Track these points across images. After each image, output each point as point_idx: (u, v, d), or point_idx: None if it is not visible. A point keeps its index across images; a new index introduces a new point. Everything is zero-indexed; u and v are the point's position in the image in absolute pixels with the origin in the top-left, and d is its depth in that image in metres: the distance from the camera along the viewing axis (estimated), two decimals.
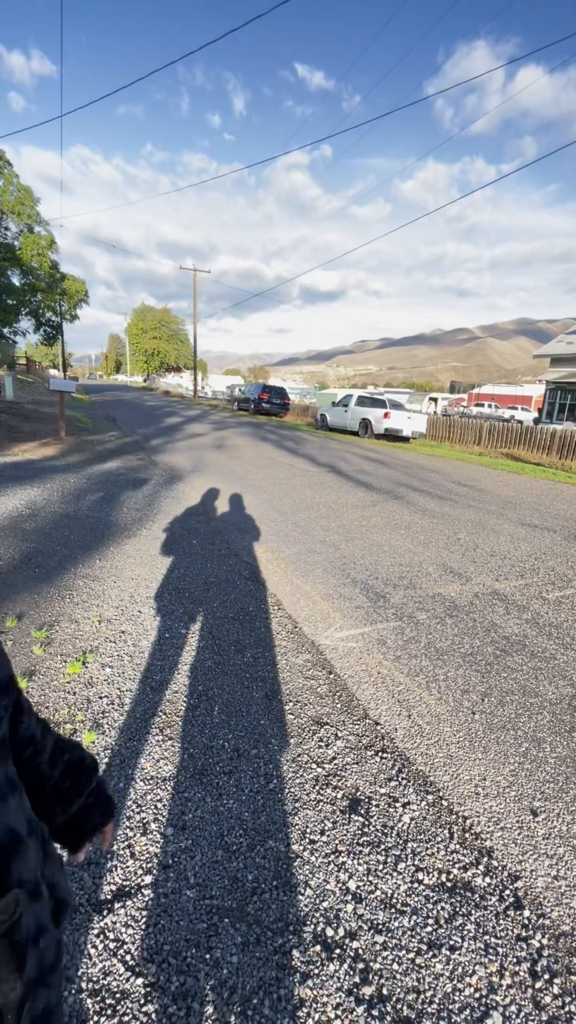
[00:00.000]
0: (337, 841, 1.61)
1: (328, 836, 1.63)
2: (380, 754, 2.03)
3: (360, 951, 1.30)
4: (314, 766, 1.93)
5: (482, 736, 2.17)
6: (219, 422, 18.63)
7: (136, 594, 3.35)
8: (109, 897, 1.39)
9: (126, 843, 1.55)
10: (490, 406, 42.25)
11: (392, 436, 15.94)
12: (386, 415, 15.54)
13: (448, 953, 1.31)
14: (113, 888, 1.41)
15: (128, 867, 1.47)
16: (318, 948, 1.30)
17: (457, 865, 1.57)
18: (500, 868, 1.57)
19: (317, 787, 1.83)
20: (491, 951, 1.32)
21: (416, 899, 1.44)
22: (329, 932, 1.34)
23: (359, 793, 1.82)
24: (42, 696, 2.23)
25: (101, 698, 2.25)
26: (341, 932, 1.34)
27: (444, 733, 2.17)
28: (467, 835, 1.68)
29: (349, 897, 1.43)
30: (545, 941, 1.36)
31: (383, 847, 1.61)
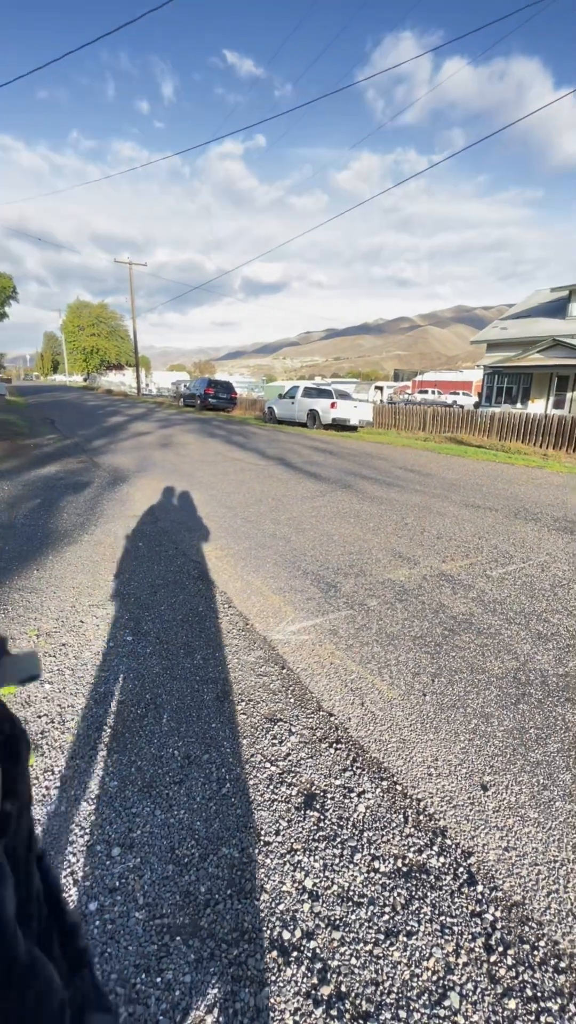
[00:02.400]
0: (293, 840, 1.58)
1: (283, 836, 1.60)
2: (334, 746, 2.02)
3: (318, 950, 1.27)
4: (268, 765, 1.89)
5: (433, 717, 2.20)
6: (165, 419, 18.20)
7: (78, 603, 3.19)
8: None
9: (68, 871, 1.45)
10: (433, 392, 43.55)
11: (340, 426, 16.11)
12: (333, 405, 15.68)
13: (405, 940, 1.31)
14: None
15: (71, 896, 1.38)
16: (275, 954, 1.26)
17: (412, 849, 1.57)
18: (453, 846, 1.58)
19: (271, 786, 1.79)
20: (447, 931, 1.33)
21: (373, 889, 1.44)
22: (286, 935, 1.31)
23: (314, 788, 1.80)
24: None
25: (40, 717, 2.11)
26: (298, 933, 1.31)
27: (397, 718, 2.19)
28: (421, 817, 1.69)
29: (306, 896, 1.41)
30: (498, 913, 1.39)
31: (339, 840, 1.59)
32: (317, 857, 1.53)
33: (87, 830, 1.59)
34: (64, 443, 10.87)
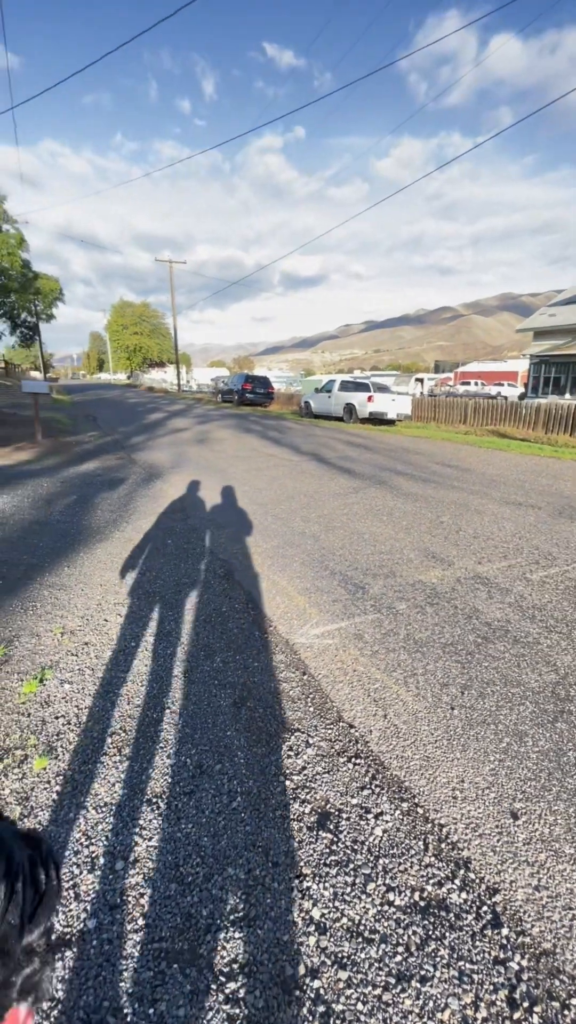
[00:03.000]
0: (303, 863, 1.50)
1: (293, 858, 1.51)
2: (353, 760, 1.91)
3: (322, 991, 1.18)
4: (282, 779, 1.81)
5: (461, 733, 2.06)
6: (202, 415, 18.38)
7: (104, 601, 3.20)
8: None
9: (71, 883, 1.42)
10: (476, 384, 42.13)
11: (377, 420, 15.79)
12: (370, 399, 15.37)
13: (419, 986, 1.20)
14: (52, 937, 1.28)
15: (71, 911, 1.35)
16: (275, 991, 1.18)
17: (431, 881, 1.45)
18: (477, 881, 1.46)
19: (284, 802, 1.71)
20: (466, 979, 1.21)
21: (386, 924, 1.33)
22: (288, 971, 1.22)
23: (329, 806, 1.70)
24: None
25: (57, 718, 2.11)
26: (302, 970, 1.22)
27: (421, 733, 2.06)
28: (443, 845, 1.57)
29: (312, 928, 1.32)
30: (525, 963, 1.25)
31: (352, 866, 1.49)
32: (327, 884, 1.43)
33: (92, 840, 1.56)
34: (104, 440, 11.13)
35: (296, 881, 1.44)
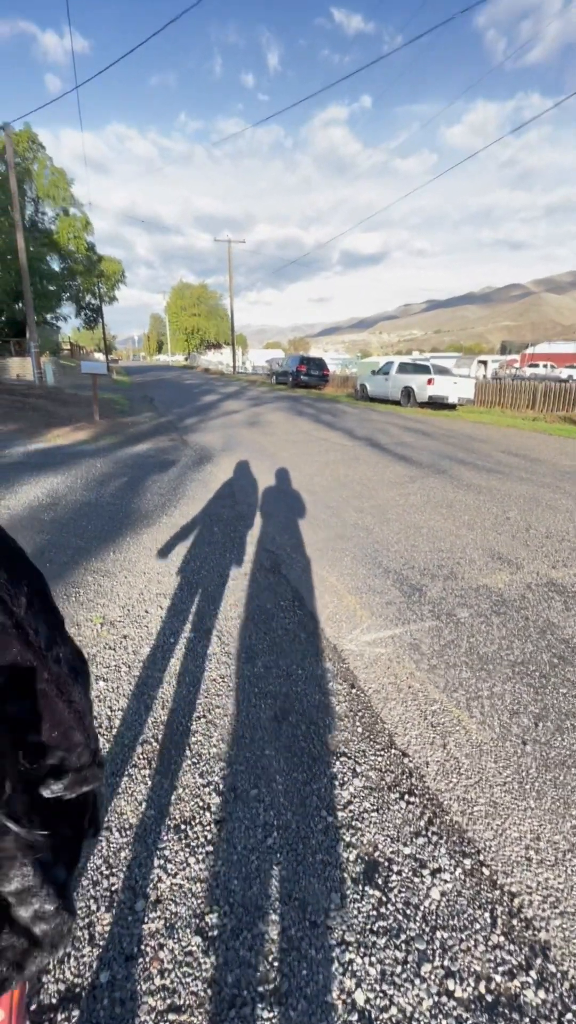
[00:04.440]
0: (346, 926, 1.28)
1: (335, 918, 1.30)
2: (406, 798, 1.67)
3: None
4: (325, 814, 1.60)
5: (535, 776, 1.76)
6: (255, 398, 18.25)
7: (146, 591, 3.10)
8: (54, 1002, 1.12)
9: (87, 921, 1.28)
10: (546, 366, 39.47)
11: (437, 404, 15.04)
12: (430, 381, 14.64)
13: None
14: (60, 989, 1.15)
15: (83, 957, 1.21)
16: None
17: (500, 968, 1.20)
18: (559, 977, 1.19)
19: (326, 844, 1.50)
20: None
21: (444, 1022, 1.10)
22: None
23: (377, 853, 1.48)
24: None
25: None
26: None
27: (487, 771, 1.78)
28: (515, 922, 1.31)
29: (355, 1017, 1.11)
30: None
31: (404, 937, 1.26)
32: (374, 959, 1.22)
33: (113, 869, 1.41)
34: (158, 421, 11.22)
35: (338, 950, 1.23)
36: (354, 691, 2.22)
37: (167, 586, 3.17)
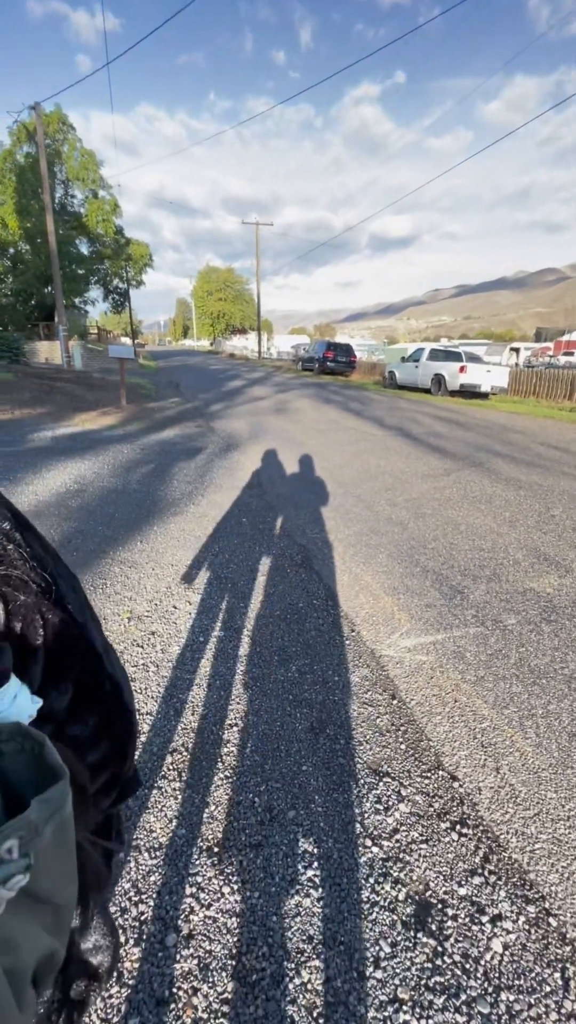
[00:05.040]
0: (396, 980, 1.15)
1: (384, 969, 1.17)
2: (458, 829, 1.53)
3: None
4: (369, 843, 1.47)
5: None
6: (282, 384, 18.01)
7: (173, 584, 3.00)
8: None
9: None
10: None
11: (469, 393, 14.58)
12: (462, 369, 14.18)
13: None
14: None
15: (111, 999, 1.10)
16: None
17: None
18: None
19: (372, 879, 1.37)
20: None
21: None
22: None
23: (429, 893, 1.34)
24: None
25: None
26: None
27: (548, 802, 1.62)
28: None
29: None
30: None
31: (464, 997, 1.13)
32: (431, 1022, 1.08)
33: (143, 896, 1.31)
34: (185, 407, 11.13)
35: (388, 1008, 1.10)
36: (395, 703, 2.07)
37: (196, 580, 3.06)
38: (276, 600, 2.85)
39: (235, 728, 1.90)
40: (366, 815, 1.56)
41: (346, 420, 9.83)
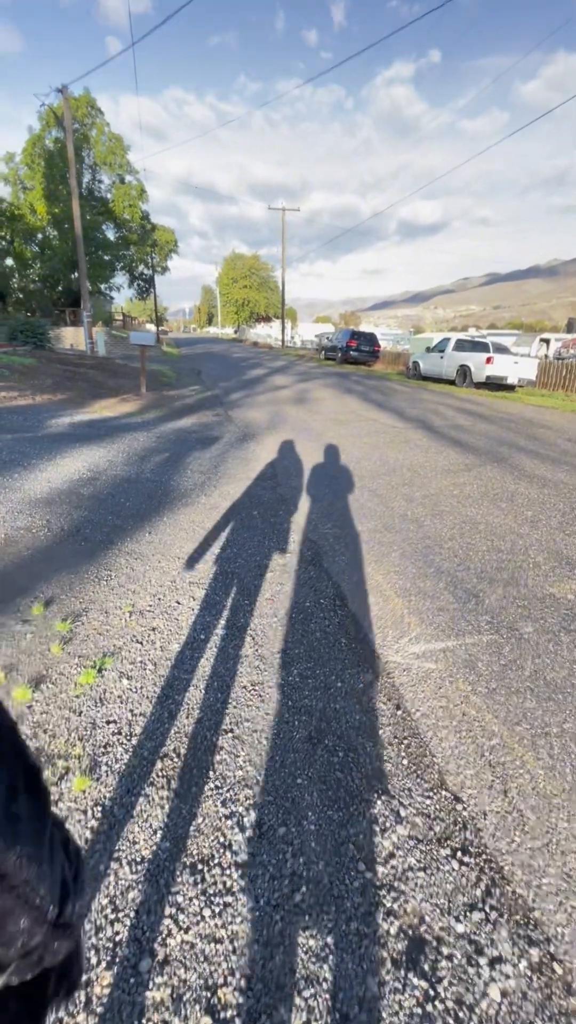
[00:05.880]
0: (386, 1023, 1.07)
1: (371, 1011, 1.09)
2: (459, 857, 1.43)
3: None
4: (363, 867, 1.38)
5: None
6: (303, 373, 17.80)
7: (179, 579, 2.93)
8: None
9: (85, 978, 1.12)
10: None
11: (495, 385, 14.16)
12: (489, 360, 13.76)
13: None
14: None
15: (76, 1020, 1.04)
16: None
17: None
18: None
19: (363, 909, 1.28)
20: None
21: None
22: None
23: (424, 928, 1.25)
24: (44, 714, 1.88)
25: (108, 723, 1.85)
26: None
27: (559, 832, 1.51)
28: None
29: None
30: None
31: None
32: None
33: (119, 913, 1.25)
34: (204, 395, 11.07)
35: None
36: (400, 713, 1.97)
37: (200, 574, 2.99)
38: (282, 599, 2.76)
39: (230, 735, 1.82)
40: (361, 836, 1.47)
41: (367, 411, 9.63)
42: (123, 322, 41.92)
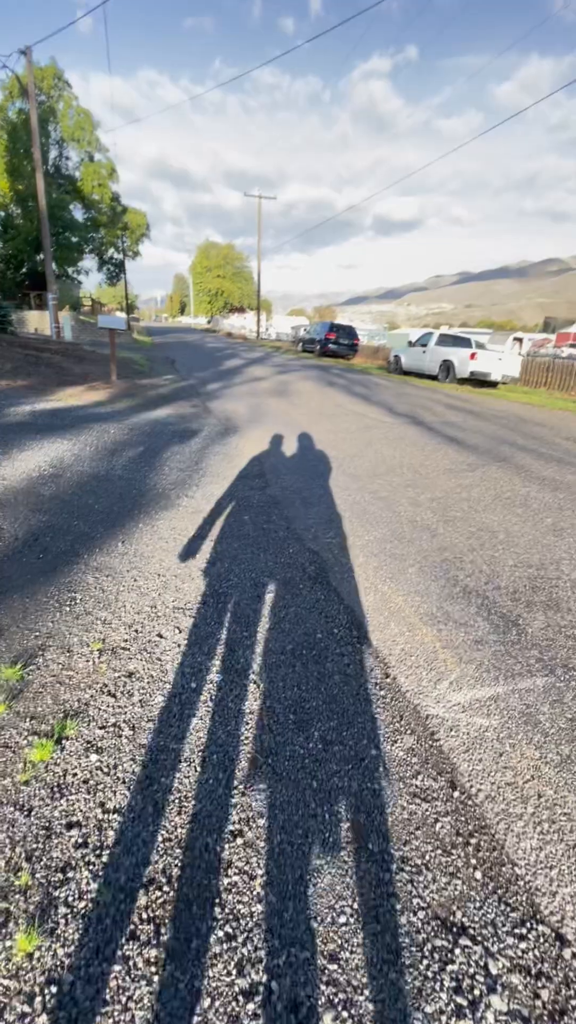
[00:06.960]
0: None
1: None
2: None
3: None
4: None
5: None
6: (282, 365, 17.24)
7: (159, 603, 2.41)
8: None
9: None
10: None
11: (477, 381, 13.94)
12: (472, 356, 13.52)
13: None
14: None
15: None
16: None
17: None
18: None
19: None
20: None
21: None
22: None
23: None
24: None
25: (70, 828, 1.33)
26: None
27: None
28: None
29: None
30: None
31: None
32: None
33: None
34: (180, 385, 10.42)
35: None
36: (457, 795, 1.51)
37: (186, 597, 2.48)
38: (287, 628, 2.27)
39: (239, 840, 1.33)
40: (444, 1020, 1.00)
41: (353, 405, 9.18)
42: (92, 308, 40.28)
